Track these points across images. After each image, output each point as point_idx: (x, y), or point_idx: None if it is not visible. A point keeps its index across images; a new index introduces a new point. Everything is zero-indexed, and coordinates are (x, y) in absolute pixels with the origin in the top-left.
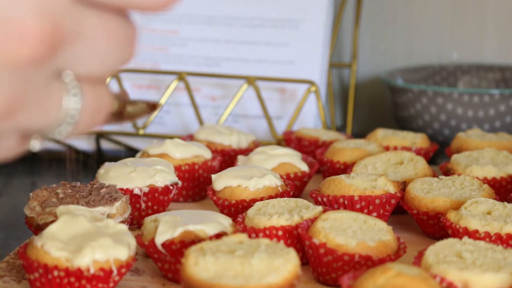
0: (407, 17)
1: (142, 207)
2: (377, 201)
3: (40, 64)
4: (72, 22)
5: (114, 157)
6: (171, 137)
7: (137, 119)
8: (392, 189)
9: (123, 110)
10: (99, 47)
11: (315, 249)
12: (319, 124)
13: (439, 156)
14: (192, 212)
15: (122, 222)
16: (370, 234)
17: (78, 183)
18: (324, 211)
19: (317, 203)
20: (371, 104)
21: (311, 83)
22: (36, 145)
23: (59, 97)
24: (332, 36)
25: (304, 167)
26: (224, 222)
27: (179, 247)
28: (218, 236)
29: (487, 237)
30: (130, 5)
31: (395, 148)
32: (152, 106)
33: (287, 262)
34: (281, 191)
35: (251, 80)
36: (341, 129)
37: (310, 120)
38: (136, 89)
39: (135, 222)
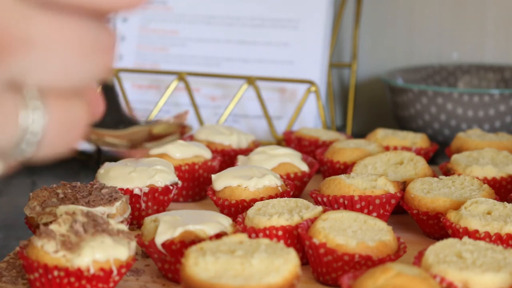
0: (407, 17)
1: (142, 207)
2: (377, 201)
3: None
4: (20, 25)
5: (114, 157)
6: None
7: None
8: (392, 189)
9: (141, 143)
10: (58, 55)
11: (315, 249)
12: (319, 124)
13: (439, 156)
14: (192, 212)
15: (122, 222)
16: (370, 234)
17: (78, 183)
18: (324, 211)
19: (317, 203)
20: (371, 104)
21: (311, 83)
22: None
23: (13, 112)
24: (332, 36)
25: (304, 167)
26: (224, 222)
27: (179, 247)
28: (218, 236)
29: (487, 237)
30: (90, 3)
31: (395, 148)
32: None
33: (287, 262)
34: (281, 191)
35: (251, 80)
36: (341, 129)
37: (310, 120)
38: (136, 89)
39: (135, 222)
